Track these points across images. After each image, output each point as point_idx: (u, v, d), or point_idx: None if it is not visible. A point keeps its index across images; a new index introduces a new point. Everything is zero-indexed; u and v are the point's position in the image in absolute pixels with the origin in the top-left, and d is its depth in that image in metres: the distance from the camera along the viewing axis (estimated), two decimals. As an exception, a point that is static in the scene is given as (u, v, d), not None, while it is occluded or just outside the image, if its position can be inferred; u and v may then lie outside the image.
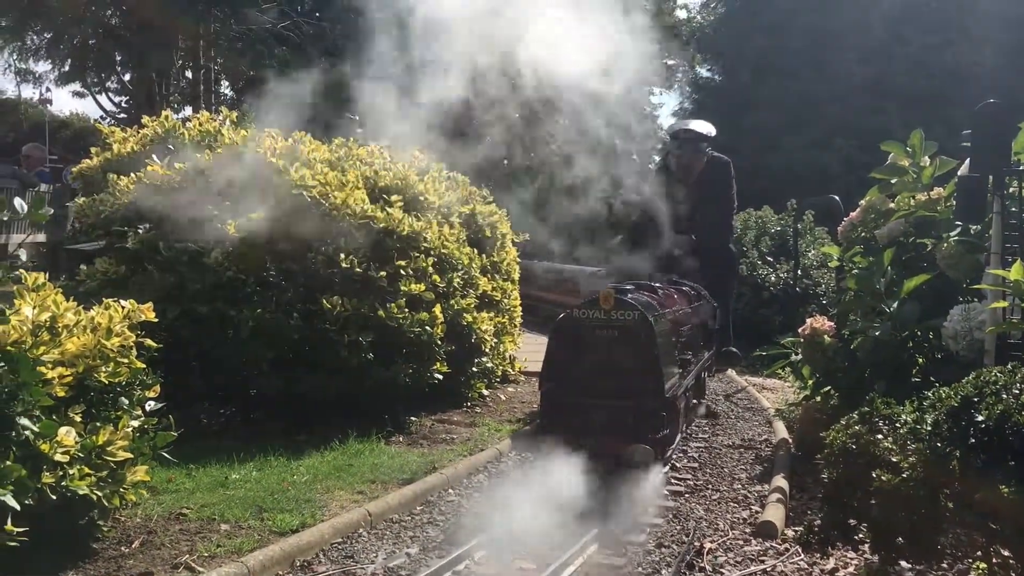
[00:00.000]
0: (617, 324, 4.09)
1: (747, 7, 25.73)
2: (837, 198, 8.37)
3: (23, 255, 2.65)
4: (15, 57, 19.07)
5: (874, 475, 2.50)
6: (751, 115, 22.35)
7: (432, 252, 5.17)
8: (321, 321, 4.59)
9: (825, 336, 4.74)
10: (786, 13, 23.63)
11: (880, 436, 2.59)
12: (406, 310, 4.82)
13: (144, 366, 2.98)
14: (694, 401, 5.47)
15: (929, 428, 2.39)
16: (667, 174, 7.59)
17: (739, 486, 4.35)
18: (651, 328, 4.03)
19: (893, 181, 4.71)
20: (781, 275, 10.25)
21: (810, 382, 5.21)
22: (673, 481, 4.33)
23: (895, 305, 4.22)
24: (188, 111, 20.55)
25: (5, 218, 2.62)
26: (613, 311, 4.08)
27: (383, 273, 4.81)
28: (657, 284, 5.44)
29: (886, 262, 4.34)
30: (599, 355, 4.11)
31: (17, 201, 2.65)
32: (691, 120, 8.14)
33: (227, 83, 23.88)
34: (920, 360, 4.27)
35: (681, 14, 34.73)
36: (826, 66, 22.82)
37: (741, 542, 3.45)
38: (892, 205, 4.76)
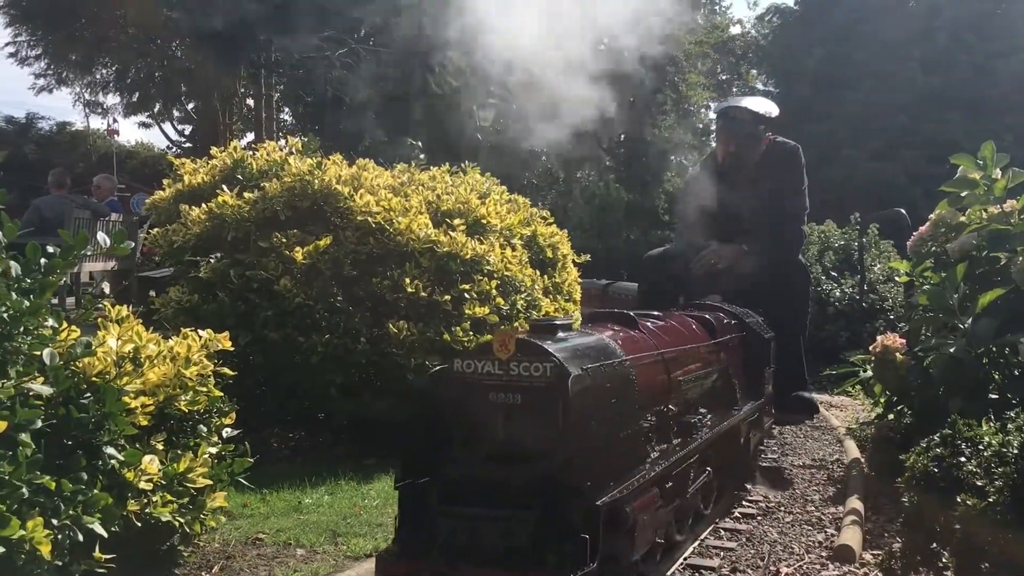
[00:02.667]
0: (519, 384, 2.59)
1: (804, 19, 25.45)
2: (903, 211, 8.21)
3: (106, 288, 2.73)
4: (84, 91, 19.73)
5: (958, 499, 2.44)
6: (809, 127, 22.02)
7: (495, 275, 5.20)
8: (388, 345, 4.64)
9: (897, 354, 4.64)
10: (845, 24, 23.30)
11: (963, 459, 2.53)
12: (471, 333, 4.84)
13: (221, 394, 3.05)
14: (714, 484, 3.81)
15: (1016, 451, 2.33)
16: (713, 166, 5.97)
17: (812, 508, 4.27)
18: (572, 390, 2.47)
19: (964, 194, 4.60)
20: (846, 290, 10.07)
21: (882, 400, 5.11)
22: (745, 503, 4.27)
23: (969, 321, 4.12)
24: (250, 137, 21.01)
25: (89, 252, 2.70)
26: (514, 363, 2.59)
27: (448, 297, 4.85)
28: (656, 313, 3.92)
29: (958, 277, 4.23)
30: (490, 433, 2.63)
31: (101, 236, 2.74)
32: (745, 96, 6.17)
33: (287, 109, 24.38)
34: (996, 377, 4.16)
35: (735, 30, 34.55)
36: (888, 76, 22.41)
37: (818, 566, 3.39)
38: (963, 219, 4.65)
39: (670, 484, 3.11)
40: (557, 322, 2.95)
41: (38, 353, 2.43)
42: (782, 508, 4.25)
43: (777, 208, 5.65)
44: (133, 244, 2.80)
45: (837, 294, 10.02)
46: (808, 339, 6.04)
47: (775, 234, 5.64)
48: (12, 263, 2.53)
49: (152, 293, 6.82)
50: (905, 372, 4.59)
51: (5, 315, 2.32)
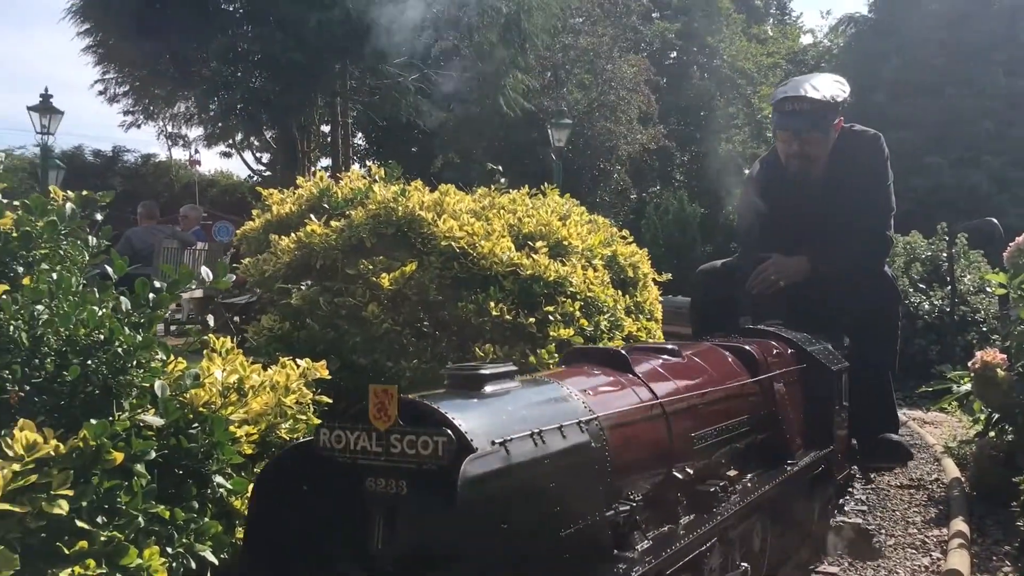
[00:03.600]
0: (404, 467, 1.79)
1: (879, 28, 24.94)
2: (995, 221, 7.97)
3: (211, 320, 2.82)
4: (167, 124, 20.41)
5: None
6: (889, 135, 21.50)
7: (578, 296, 5.19)
8: (474, 369, 4.66)
9: (998, 370, 4.48)
10: (923, 31, 22.76)
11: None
12: (556, 355, 4.84)
13: (320, 421, 3.10)
14: None
15: None
16: (774, 167, 5.01)
17: (915, 530, 4.14)
18: (465, 477, 1.65)
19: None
20: (935, 302, 9.78)
21: (982, 418, 4.94)
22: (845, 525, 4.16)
23: (1077, 335, 3.97)
24: (326, 162, 21.45)
25: (195, 287, 2.79)
26: (396, 436, 1.79)
27: (532, 319, 4.86)
28: (670, 346, 3.07)
29: (1063, 290, 4.09)
30: (367, 539, 1.85)
31: (204, 270, 2.82)
32: (807, 77, 4.82)
33: (362, 135, 24.86)
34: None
35: (806, 39, 34.03)
36: (970, 81, 21.81)
37: (925, 592, 3.29)
38: (1065, 228, 4.49)
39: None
40: (488, 370, 2.07)
41: (148, 385, 2.52)
42: (883, 531, 4.13)
43: (857, 211, 4.67)
44: (233, 278, 2.88)
45: (926, 307, 9.73)
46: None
47: (854, 242, 4.66)
48: (123, 298, 2.63)
49: (236, 319, 6.99)
50: (1008, 388, 4.44)
51: (119, 350, 2.41)
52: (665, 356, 2.98)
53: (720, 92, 28.26)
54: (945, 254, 9.89)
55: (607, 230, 6.41)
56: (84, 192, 2.82)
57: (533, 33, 16.73)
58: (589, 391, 2.38)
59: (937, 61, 22.43)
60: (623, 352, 2.72)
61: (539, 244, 5.24)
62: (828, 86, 4.78)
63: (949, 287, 9.44)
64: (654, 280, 6.80)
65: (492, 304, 4.78)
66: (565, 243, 5.50)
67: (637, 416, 2.47)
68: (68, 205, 2.65)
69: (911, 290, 9.96)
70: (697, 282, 5.60)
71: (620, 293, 5.86)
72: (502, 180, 6.06)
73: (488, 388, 2.06)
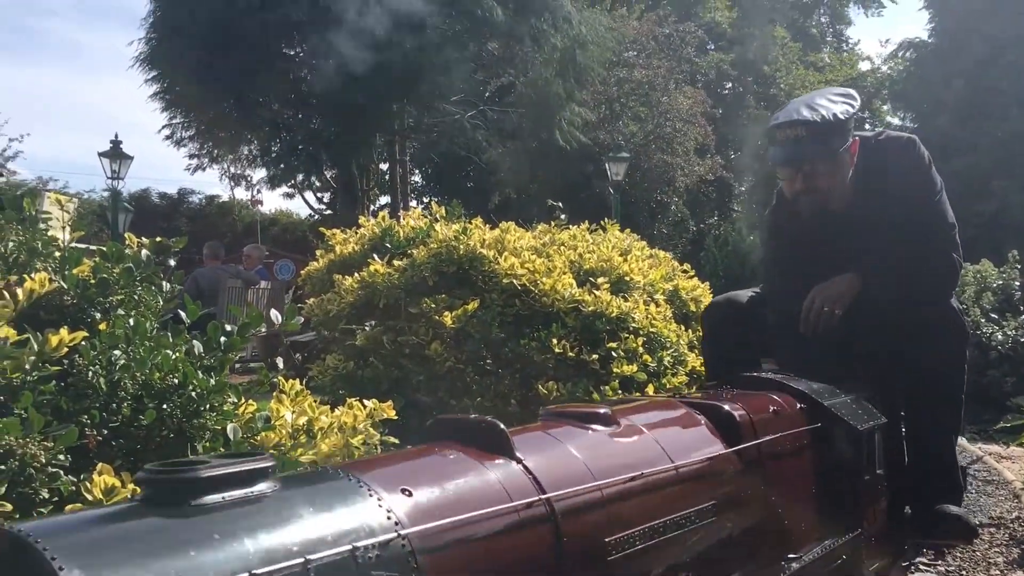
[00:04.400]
0: None
1: (941, 52, 24.58)
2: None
3: (280, 363, 2.86)
4: (231, 166, 20.94)
5: None
6: (953, 161, 21.11)
7: (641, 332, 5.16)
8: (538, 406, 4.65)
9: (1081, 403, 4.31)
10: (988, 54, 22.37)
11: None
12: (620, 391, 4.80)
13: (387, 462, 3.11)
14: None
15: None
16: (786, 210, 3.98)
17: (997, 572, 3.98)
18: None
19: None
20: (1008, 332, 9.48)
21: (1065, 453, 4.76)
22: (922, 567, 4.03)
23: None
24: (384, 199, 21.75)
25: (263, 331, 2.83)
26: None
27: (595, 356, 4.84)
28: (602, 411, 2.26)
29: None
30: None
31: (274, 313, 2.87)
32: (806, 98, 3.78)
33: (418, 172, 25.19)
34: None
35: (864, 66, 33.64)
36: (1038, 104, 21.36)
37: (1013, 639, 3.15)
38: None
39: None
40: (210, 471, 1.35)
41: (220, 428, 2.56)
42: (964, 573, 3.99)
43: (906, 233, 3.59)
44: (302, 320, 2.92)
45: (999, 337, 9.45)
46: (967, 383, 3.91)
47: (913, 268, 3.58)
48: (195, 342, 2.68)
49: (298, 356, 7.10)
50: (1093, 423, 4.26)
51: (193, 393, 2.45)
52: (583, 425, 2.17)
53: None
54: (1017, 282, 9.61)
55: (668, 264, 6.37)
56: (158, 239, 2.89)
57: (588, 67, 16.84)
58: (409, 490, 1.58)
59: (1002, 84, 22.00)
60: (500, 427, 1.89)
61: (601, 280, 5.23)
62: (829, 103, 3.66)
63: (1023, 316, 9.16)
64: (716, 314, 6.73)
65: (554, 341, 4.77)
66: (627, 279, 5.48)
67: (493, 524, 1.66)
68: (143, 252, 2.71)
69: (983, 320, 9.68)
70: (708, 319, 4.45)
71: (683, 328, 5.81)
72: (562, 216, 6.06)
73: (207, 499, 1.33)
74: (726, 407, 2.54)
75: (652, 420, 2.41)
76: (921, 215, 3.67)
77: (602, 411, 2.27)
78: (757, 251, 19.41)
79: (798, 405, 2.87)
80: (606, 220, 6.51)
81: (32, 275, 2.43)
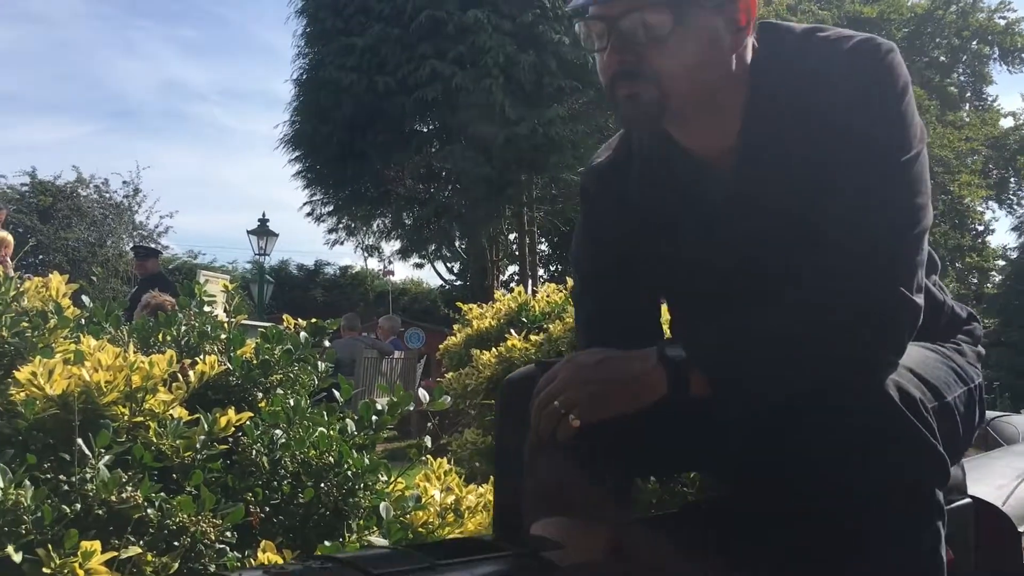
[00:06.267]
0: None
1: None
2: None
3: (428, 442, 2.92)
4: (365, 238, 21.73)
5: None
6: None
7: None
8: (680, 484, 4.56)
9: None
10: None
11: None
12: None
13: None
14: None
15: None
16: (622, 178, 1.68)
17: None
18: None
19: None
20: None
21: None
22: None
23: None
24: (513, 268, 22.06)
25: (411, 408, 2.90)
26: None
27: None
28: None
29: None
30: None
31: (422, 392, 2.94)
32: None
33: (544, 241, 25.51)
34: None
35: (1006, 123, 32.23)
36: None
37: None
38: None
39: None
40: None
41: (373, 506, 2.62)
42: None
43: (827, 223, 1.44)
44: (449, 399, 2.98)
45: None
46: None
47: (817, 309, 1.41)
48: (348, 421, 2.77)
49: (428, 425, 7.18)
50: None
51: (349, 472, 2.52)
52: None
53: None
54: None
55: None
56: (314, 320, 3.02)
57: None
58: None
59: None
60: None
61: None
62: None
63: None
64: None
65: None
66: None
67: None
68: (302, 334, 2.84)
69: None
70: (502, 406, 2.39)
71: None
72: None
73: None
74: None
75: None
76: (862, 191, 1.46)
77: None
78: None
79: None
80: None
81: (203, 357, 2.57)
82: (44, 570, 1.89)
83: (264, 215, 18.33)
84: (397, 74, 15.21)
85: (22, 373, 2.22)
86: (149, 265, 9.38)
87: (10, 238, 6.89)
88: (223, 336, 2.86)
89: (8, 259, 6.60)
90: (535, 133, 14.51)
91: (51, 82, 65.82)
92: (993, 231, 31.63)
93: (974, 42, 32.53)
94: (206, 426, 2.41)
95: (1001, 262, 32.15)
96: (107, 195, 24.34)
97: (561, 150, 15.46)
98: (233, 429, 2.51)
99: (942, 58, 32.75)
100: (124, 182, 24.31)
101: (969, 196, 29.02)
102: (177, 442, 2.35)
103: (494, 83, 14.78)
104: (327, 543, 2.31)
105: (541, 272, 23.91)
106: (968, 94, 34.56)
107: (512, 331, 5.37)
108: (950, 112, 31.38)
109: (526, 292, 6.09)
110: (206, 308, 3.03)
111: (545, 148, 14.99)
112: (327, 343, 2.99)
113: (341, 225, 19.42)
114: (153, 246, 16.92)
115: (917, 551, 1.36)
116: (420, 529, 2.75)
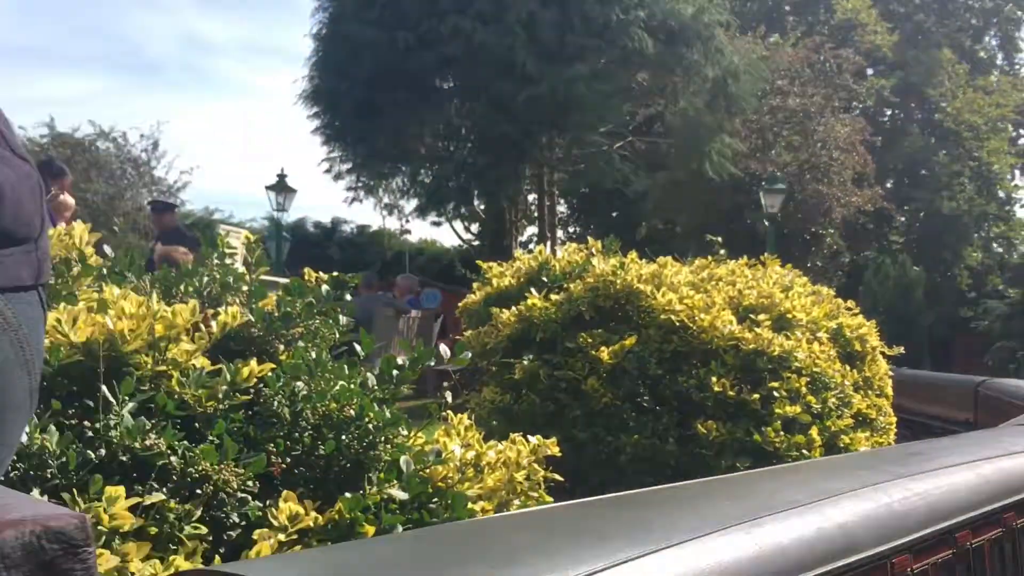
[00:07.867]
0: None
1: None
2: None
3: (449, 397, 2.91)
4: (384, 196, 21.64)
5: None
6: None
7: (804, 372, 4.98)
8: (697, 446, 4.56)
9: None
10: None
11: None
12: (782, 433, 4.65)
13: (551, 499, 3.11)
14: None
15: None
16: None
17: None
18: None
19: None
20: None
21: None
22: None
23: None
24: (531, 230, 21.98)
25: (433, 363, 2.89)
26: None
27: (756, 396, 4.70)
28: None
29: None
30: None
31: (443, 347, 2.93)
32: None
33: (563, 202, 25.36)
34: None
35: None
36: None
37: None
38: None
39: None
40: None
41: (393, 459, 2.62)
42: None
43: None
44: (469, 355, 2.97)
45: None
46: None
47: None
48: (369, 375, 2.76)
49: (445, 384, 7.21)
50: None
51: (370, 426, 2.52)
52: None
53: (943, 148, 26.71)
54: None
55: (831, 301, 6.15)
56: (335, 274, 3.00)
57: (740, 97, 16.53)
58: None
59: None
60: None
61: (762, 317, 5.09)
62: None
63: None
64: (882, 354, 6.43)
65: (714, 379, 4.67)
66: (788, 316, 5.32)
67: None
68: (324, 287, 2.83)
69: None
70: None
71: (848, 368, 5.58)
72: (721, 251, 5.95)
73: None
74: None
75: None
76: None
77: None
78: (922, 285, 18.47)
79: None
80: (765, 255, 6.35)
81: (225, 308, 2.56)
82: (69, 515, 1.90)
83: (283, 171, 18.30)
84: (418, 30, 15.02)
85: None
86: (166, 219, 9.34)
87: (71, 201, 6.83)
88: (244, 288, 2.85)
89: (70, 222, 6.57)
90: (556, 92, 14.34)
91: (70, 36, 65.63)
92: (1019, 201, 31.09)
93: (1007, 5, 31.82)
94: (228, 376, 2.41)
95: (1027, 232, 31.71)
96: (126, 148, 24.26)
97: (583, 110, 15.28)
98: (255, 380, 2.51)
99: (973, 20, 32.09)
100: (142, 135, 24.15)
101: (997, 164, 28.56)
102: (199, 391, 2.36)
103: (516, 40, 14.58)
104: (347, 495, 2.32)
105: (560, 234, 23.79)
106: (999, 60, 33.89)
107: (532, 290, 5.37)
108: (980, 77, 30.78)
109: (546, 252, 6.07)
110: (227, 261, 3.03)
111: (567, 107, 14.82)
112: (348, 297, 2.98)
113: (360, 183, 19.36)
114: (171, 200, 16.90)
115: None
116: (440, 484, 2.76)
